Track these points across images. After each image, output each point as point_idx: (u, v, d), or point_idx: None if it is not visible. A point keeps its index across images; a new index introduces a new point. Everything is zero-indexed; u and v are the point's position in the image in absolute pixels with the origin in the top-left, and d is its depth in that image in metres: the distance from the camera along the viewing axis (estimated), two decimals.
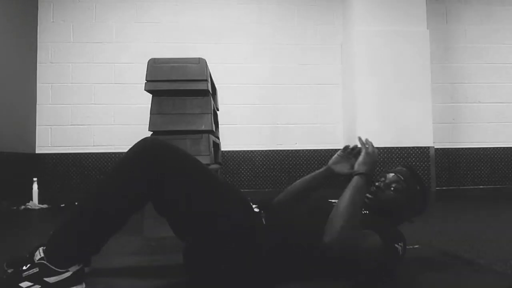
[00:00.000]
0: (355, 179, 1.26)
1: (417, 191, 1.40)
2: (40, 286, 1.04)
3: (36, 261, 1.08)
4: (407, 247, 1.29)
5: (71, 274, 1.07)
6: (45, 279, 1.05)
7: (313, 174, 1.54)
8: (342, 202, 1.18)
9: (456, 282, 1.24)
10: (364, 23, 3.97)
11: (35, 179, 3.71)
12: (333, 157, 1.53)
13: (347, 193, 1.21)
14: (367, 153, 1.34)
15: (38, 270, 1.05)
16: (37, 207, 3.56)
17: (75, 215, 1.12)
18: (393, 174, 1.41)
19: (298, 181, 1.56)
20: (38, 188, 3.70)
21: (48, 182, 3.98)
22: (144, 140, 1.18)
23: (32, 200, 3.65)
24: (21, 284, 1.04)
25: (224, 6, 4.29)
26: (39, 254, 1.09)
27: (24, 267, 1.07)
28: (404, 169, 1.45)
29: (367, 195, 1.38)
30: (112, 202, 1.10)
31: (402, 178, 1.39)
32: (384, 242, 1.18)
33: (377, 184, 1.40)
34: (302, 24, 4.37)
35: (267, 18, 4.33)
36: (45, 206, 3.61)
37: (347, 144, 1.54)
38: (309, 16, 4.39)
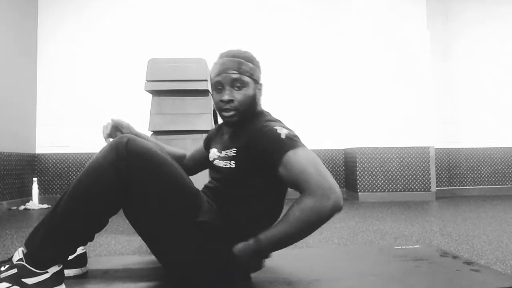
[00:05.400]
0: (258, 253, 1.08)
1: (252, 66, 1.21)
2: (18, 287, 1.03)
3: (14, 262, 1.06)
4: (408, 247, 1.26)
5: (50, 275, 1.06)
6: (23, 280, 1.03)
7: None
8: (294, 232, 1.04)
9: (455, 282, 1.24)
10: (364, 23, 3.98)
11: (35, 179, 3.71)
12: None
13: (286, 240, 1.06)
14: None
15: (16, 271, 1.04)
16: (37, 207, 3.56)
17: (51, 215, 1.11)
18: (225, 74, 1.18)
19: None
20: (38, 188, 3.70)
21: (48, 182, 3.98)
22: (119, 140, 1.15)
23: (32, 200, 3.65)
24: None
25: (224, 6, 4.30)
26: (18, 254, 1.07)
27: (3, 268, 1.06)
28: (224, 60, 1.21)
29: (225, 114, 1.19)
30: (85, 204, 1.09)
31: (236, 71, 1.18)
32: (289, 148, 1.05)
33: (225, 98, 1.17)
34: (303, 24, 4.38)
35: (267, 18, 4.34)
36: (45, 206, 3.61)
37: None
38: (309, 16, 4.39)
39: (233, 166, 1.15)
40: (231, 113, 1.18)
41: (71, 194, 1.11)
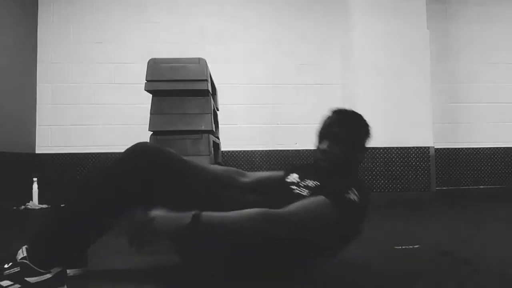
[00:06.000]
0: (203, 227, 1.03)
1: (359, 128, 1.33)
2: (20, 286, 1.03)
3: (18, 260, 1.07)
4: (408, 246, 1.27)
5: (53, 276, 1.06)
6: (26, 279, 1.04)
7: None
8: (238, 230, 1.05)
9: (456, 282, 1.25)
10: (364, 23, 3.97)
11: (35, 179, 3.71)
12: None
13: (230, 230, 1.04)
14: (163, 231, 1.01)
15: (19, 269, 1.05)
16: (37, 207, 3.56)
17: (56, 215, 1.12)
18: (331, 127, 1.31)
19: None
20: (38, 188, 3.69)
21: (48, 182, 3.98)
22: (135, 145, 1.17)
23: (32, 200, 3.65)
24: (1, 283, 1.03)
25: (224, 6, 4.29)
26: (21, 253, 1.08)
27: (6, 266, 1.06)
28: (335, 115, 1.35)
29: (320, 163, 1.29)
30: (94, 206, 1.10)
31: (339, 127, 1.30)
32: (332, 199, 1.10)
33: (324, 147, 1.29)
34: (302, 24, 4.37)
35: (267, 18, 4.33)
36: (45, 206, 3.61)
37: None
38: (309, 16, 4.38)
39: (303, 194, 1.21)
40: (324, 163, 1.28)
41: (81, 194, 1.12)
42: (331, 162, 1.27)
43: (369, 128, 1.34)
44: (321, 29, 4.39)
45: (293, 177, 1.34)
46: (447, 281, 1.25)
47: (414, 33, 3.97)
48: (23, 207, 3.53)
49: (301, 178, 1.31)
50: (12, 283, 1.03)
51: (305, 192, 1.22)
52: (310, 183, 1.25)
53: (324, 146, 1.28)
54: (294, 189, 1.27)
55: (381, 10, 3.97)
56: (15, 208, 3.53)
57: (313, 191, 1.21)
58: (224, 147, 3.63)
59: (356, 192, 1.17)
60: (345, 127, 1.29)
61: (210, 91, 2.54)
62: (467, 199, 4.00)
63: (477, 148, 4.42)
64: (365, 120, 1.35)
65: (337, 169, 1.27)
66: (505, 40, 4.51)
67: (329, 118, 1.33)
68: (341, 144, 1.27)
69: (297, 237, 1.08)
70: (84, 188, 1.12)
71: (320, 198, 1.11)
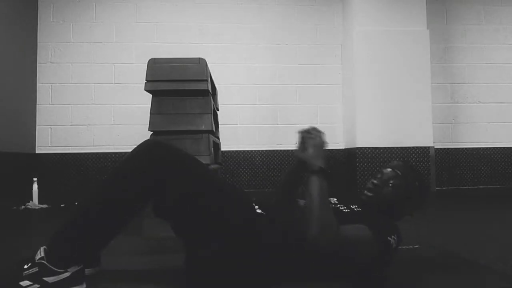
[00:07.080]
0: (313, 180, 1.17)
1: (416, 186, 1.37)
2: (39, 286, 1.05)
3: (36, 261, 1.09)
4: (408, 247, 1.29)
5: (70, 275, 1.08)
6: (44, 278, 1.06)
7: (290, 168, 1.52)
8: (310, 204, 1.13)
9: (455, 282, 1.25)
10: (364, 23, 3.97)
11: (35, 179, 3.70)
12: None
13: (311, 196, 1.14)
14: (314, 146, 1.26)
15: (37, 269, 1.07)
16: (37, 207, 3.56)
17: (73, 215, 1.13)
18: (391, 169, 1.38)
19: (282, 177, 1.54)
20: (38, 188, 3.69)
21: (48, 182, 3.98)
22: (146, 141, 1.19)
23: (32, 200, 3.65)
24: (21, 283, 1.05)
25: (224, 6, 4.29)
26: (39, 253, 1.10)
27: (25, 266, 1.09)
28: (401, 163, 1.42)
29: (365, 192, 1.37)
30: (110, 204, 1.11)
31: (400, 173, 1.35)
32: (374, 234, 1.16)
33: (374, 181, 1.37)
34: (302, 24, 4.37)
35: (267, 18, 4.33)
36: (45, 206, 3.61)
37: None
38: (309, 16, 4.39)
39: (344, 210, 1.31)
40: (368, 193, 1.37)
41: (97, 193, 1.13)
42: (374, 197, 1.34)
43: (421, 189, 1.40)
44: (321, 29, 4.40)
45: (332, 200, 1.42)
46: (448, 281, 1.25)
47: (414, 32, 3.97)
48: (23, 207, 3.53)
49: (339, 202, 1.39)
50: (31, 283, 1.06)
51: (343, 208, 1.32)
52: (351, 206, 1.33)
53: (375, 181, 1.37)
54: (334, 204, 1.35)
55: (381, 10, 3.97)
56: (15, 208, 3.53)
57: (356, 214, 1.28)
58: (224, 147, 3.63)
59: (395, 239, 1.24)
60: (403, 176, 1.35)
61: (210, 91, 2.54)
62: (467, 199, 4.00)
63: (477, 148, 4.41)
64: (422, 182, 1.41)
65: (377, 205, 1.34)
66: (505, 40, 4.51)
67: (396, 163, 1.42)
68: (394, 188, 1.33)
69: (341, 253, 1.14)
70: (98, 188, 1.14)
71: (366, 228, 1.17)
